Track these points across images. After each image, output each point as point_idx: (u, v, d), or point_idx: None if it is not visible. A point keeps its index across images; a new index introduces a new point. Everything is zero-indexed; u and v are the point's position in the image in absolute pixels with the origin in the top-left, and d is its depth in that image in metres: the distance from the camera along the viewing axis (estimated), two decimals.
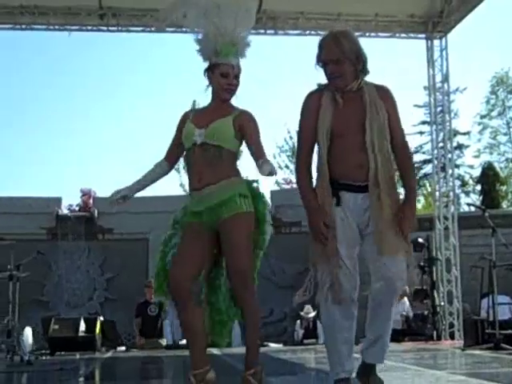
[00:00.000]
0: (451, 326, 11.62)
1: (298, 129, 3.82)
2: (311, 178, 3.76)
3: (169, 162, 4.17)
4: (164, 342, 11.62)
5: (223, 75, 3.90)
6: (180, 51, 39.76)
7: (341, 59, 3.62)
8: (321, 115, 3.65)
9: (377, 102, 3.66)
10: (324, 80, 3.77)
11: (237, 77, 3.95)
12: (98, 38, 36.59)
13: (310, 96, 3.78)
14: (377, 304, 3.65)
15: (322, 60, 3.69)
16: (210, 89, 4.01)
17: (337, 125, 3.64)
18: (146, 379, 6.66)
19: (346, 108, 3.66)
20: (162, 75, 41.64)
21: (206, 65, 4.01)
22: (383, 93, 3.74)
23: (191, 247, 3.87)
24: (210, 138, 3.86)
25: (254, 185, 4.05)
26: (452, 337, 11.49)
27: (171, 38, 40.03)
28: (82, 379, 6.44)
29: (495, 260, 8.46)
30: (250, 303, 3.85)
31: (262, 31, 11.38)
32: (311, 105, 3.73)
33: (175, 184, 24.16)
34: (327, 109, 3.66)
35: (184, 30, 4.17)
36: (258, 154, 3.79)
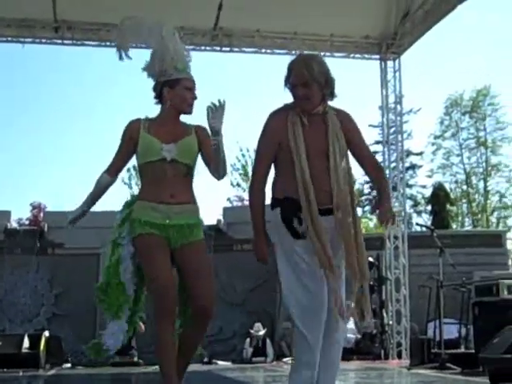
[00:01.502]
0: (399, 345, 11.70)
1: (257, 146, 3.77)
2: (264, 198, 3.75)
3: (110, 176, 4.05)
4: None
5: (188, 88, 3.97)
6: None
7: (309, 82, 3.62)
8: (291, 135, 3.62)
9: (338, 128, 3.68)
10: (288, 100, 3.76)
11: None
12: None
13: (274, 115, 3.74)
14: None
15: (291, 82, 3.68)
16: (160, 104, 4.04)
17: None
18: None
19: (310, 131, 3.65)
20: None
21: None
22: (344, 118, 3.76)
23: (167, 262, 3.85)
24: (182, 157, 3.90)
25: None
26: (399, 356, 11.56)
27: None
28: None
29: (443, 280, 8.56)
30: (206, 327, 3.92)
31: (218, 48, 11.41)
32: (275, 124, 3.69)
33: (126, 199, 23.99)
34: (297, 128, 3.64)
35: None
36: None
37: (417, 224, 24.58)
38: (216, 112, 3.72)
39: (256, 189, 3.73)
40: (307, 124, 3.65)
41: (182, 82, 3.95)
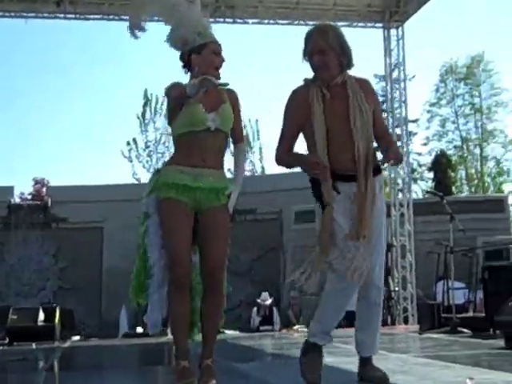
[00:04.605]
0: (405, 310, 11.84)
1: (282, 123, 3.85)
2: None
3: None
4: None
5: (215, 53, 3.88)
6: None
7: (326, 50, 3.70)
8: (313, 111, 3.70)
9: (359, 96, 3.74)
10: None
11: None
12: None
13: (296, 92, 3.83)
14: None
15: (308, 52, 3.76)
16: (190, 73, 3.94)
17: (327, 119, 3.70)
18: (122, 367, 6.58)
19: (332, 102, 3.73)
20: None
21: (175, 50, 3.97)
22: (365, 86, 3.84)
23: (187, 235, 3.79)
24: (224, 125, 3.84)
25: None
26: (406, 321, 11.70)
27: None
28: (49, 369, 6.40)
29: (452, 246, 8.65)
30: (221, 295, 3.87)
31: (221, 20, 11.34)
32: (297, 101, 3.79)
33: (128, 173, 23.95)
34: (318, 104, 3.71)
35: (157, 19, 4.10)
36: (238, 137, 3.99)
37: (427, 191, 24.51)
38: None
39: (279, 154, 3.83)
40: (328, 95, 3.72)
41: (208, 46, 3.86)
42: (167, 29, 4.01)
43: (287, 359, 6.05)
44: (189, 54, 3.89)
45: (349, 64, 3.79)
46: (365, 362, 3.86)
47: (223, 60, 3.90)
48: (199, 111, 3.79)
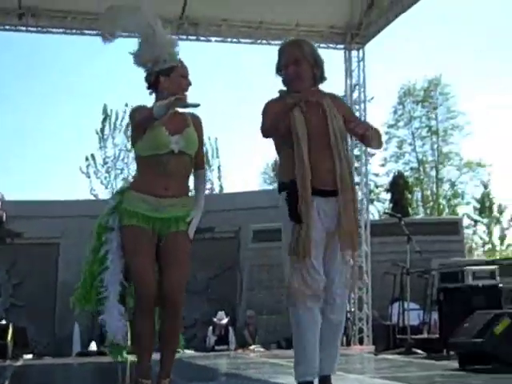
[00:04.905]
0: (360, 331, 11.85)
1: (261, 121, 3.83)
2: None
3: None
4: None
5: (183, 76, 3.91)
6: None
7: (300, 60, 3.78)
8: (293, 118, 3.71)
9: (333, 108, 3.80)
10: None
11: None
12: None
13: (271, 103, 3.86)
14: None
15: (282, 64, 3.84)
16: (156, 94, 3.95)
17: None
18: None
19: (308, 114, 3.75)
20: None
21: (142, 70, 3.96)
22: (336, 100, 3.92)
23: (151, 258, 3.84)
24: (188, 147, 3.86)
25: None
26: (361, 342, 11.73)
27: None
28: None
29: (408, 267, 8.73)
30: (180, 316, 3.92)
31: (184, 37, 11.32)
32: (274, 108, 3.79)
33: (85, 189, 23.77)
34: (296, 111, 3.72)
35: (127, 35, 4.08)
36: (199, 163, 4.04)
37: (385, 213, 24.75)
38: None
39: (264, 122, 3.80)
40: (304, 107, 3.75)
41: (176, 69, 3.88)
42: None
43: (243, 379, 6.02)
44: (156, 75, 3.89)
45: (321, 77, 3.87)
46: (324, 381, 3.85)
47: (190, 83, 3.92)
48: (162, 134, 3.79)
